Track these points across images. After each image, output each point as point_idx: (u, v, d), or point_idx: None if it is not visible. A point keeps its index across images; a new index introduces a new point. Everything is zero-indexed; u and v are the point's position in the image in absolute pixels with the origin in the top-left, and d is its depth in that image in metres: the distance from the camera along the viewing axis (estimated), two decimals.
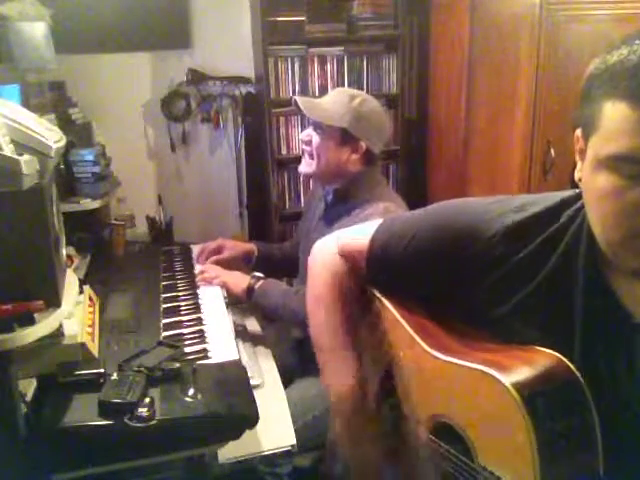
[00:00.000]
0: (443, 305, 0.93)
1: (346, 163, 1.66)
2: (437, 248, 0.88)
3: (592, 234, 0.73)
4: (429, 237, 0.90)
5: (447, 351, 0.86)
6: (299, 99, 1.68)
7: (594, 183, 0.69)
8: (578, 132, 0.74)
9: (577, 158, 0.75)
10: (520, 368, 0.76)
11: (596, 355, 0.76)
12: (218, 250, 1.96)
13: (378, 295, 1.01)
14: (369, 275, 1.01)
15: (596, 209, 0.71)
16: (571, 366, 0.74)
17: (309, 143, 1.69)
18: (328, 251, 1.06)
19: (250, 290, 1.67)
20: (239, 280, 1.72)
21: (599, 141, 0.68)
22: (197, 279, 1.82)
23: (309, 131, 1.70)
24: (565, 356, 0.76)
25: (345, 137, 1.64)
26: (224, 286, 1.75)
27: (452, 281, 0.87)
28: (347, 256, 1.03)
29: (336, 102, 1.66)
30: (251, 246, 2.02)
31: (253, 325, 1.81)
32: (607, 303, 0.75)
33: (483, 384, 0.76)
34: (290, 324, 1.73)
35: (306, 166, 1.73)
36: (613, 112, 0.66)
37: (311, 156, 1.70)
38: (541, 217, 0.80)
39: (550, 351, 0.77)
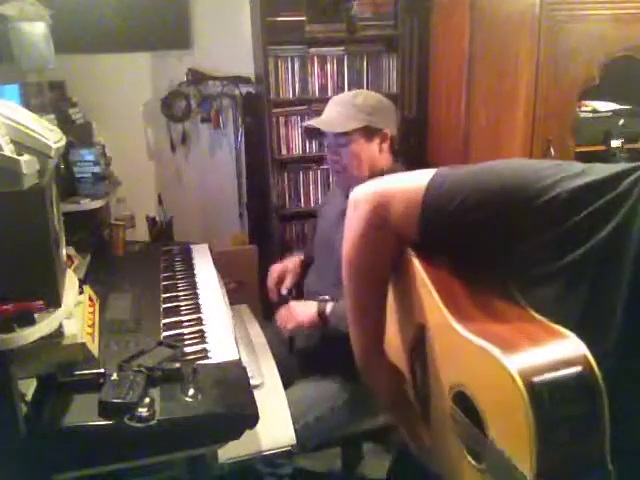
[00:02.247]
0: (486, 266, 0.91)
1: (379, 155, 1.71)
2: (496, 206, 0.86)
3: None
4: (488, 196, 0.87)
5: (468, 321, 0.85)
6: (314, 122, 1.72)
7: None
8: None
9: None
10: (531, 351, 0.74)
11: (638, 327, 0.75)
12: (282, 276, 1.93)
13: (413, 259, 0.98)
14: (419, 233, 0.95)
15: None
16: (587, 354, 0.72)
17: (338, 161, 1.71)
18: (365, 203, 1.00)
19: (322, 318, 1.62)
20: (307, 312, 1.66)
21: None
22: (288, 328, 1.71)
23: (332, 150, 1.72)
24: (603, 330, 0.75)
25: (368, 133, 1.68)
26: (299, 327, 1.68)
27: (507, 241, 0.86)
28: (388, 208, 0.97)
29: (341, 109, 1.68)
30: (298, 259, 2.00)
31: (253, 325, 1.81)
32: None
33: (491, 364, 0.75)
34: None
35: (343, 181, 1.75)
36: None
37: (344, 170, 1.71)
38: (602, 184, 0.79)
39: (568, 332, 0.76)
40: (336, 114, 1.69)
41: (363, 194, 1.02)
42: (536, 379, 0.71)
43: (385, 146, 1.71)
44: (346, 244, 1.05)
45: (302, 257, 2.00)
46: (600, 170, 0.81)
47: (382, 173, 1.67)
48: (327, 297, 1.66)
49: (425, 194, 0.92)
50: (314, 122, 1.73)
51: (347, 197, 1.72)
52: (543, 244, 0.81)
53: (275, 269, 1.95)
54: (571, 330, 0.77)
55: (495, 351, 0.75)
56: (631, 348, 0.75)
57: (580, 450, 0.72)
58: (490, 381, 0.78)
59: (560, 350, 0.74)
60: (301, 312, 1.67)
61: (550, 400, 0.70)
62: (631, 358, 0.74)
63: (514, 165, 0.89)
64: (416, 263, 0.98)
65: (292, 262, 1.98)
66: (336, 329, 1.58)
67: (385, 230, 0.98)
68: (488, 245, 0.88)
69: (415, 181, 0.94)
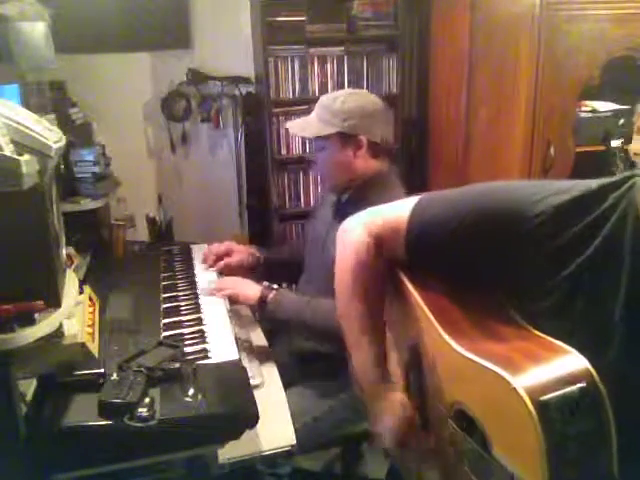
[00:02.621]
0: (478, 288, 0.92)
1: (354, 161, 1.65)
2: (484, 231, 0.88)
3: (638, 217, 0.74)
4: (475, 220, 0.89)
5: (467, 342, 0.85)
6: (289, 125, 1.73)
7: None
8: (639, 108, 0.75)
9: (635, 133, 0.75)
10: (536, 370, 0.75)
11: (638, 339, 0.75)
12: (227, 253, 1.93)
13: (404, 279, 1.01)
14: (407, 256, 0.99)
15: None
16: (591, 369, 0.73)
17: (316, 164, 1.72)
18: (357, 232, 1.05)
19: (262, 302, 1.64)
20: (249, 291, 1.67)
21: None
22: (208, 289, 1.74)
23: (314, 154, 1.73)
24: (604, 340, 0.75)
25: (343, 139, 1.63)
26: (235, 298, 1.70)
27: (497, 263, 0.87)
28: (378, 237, 1.02)
29: (320, 112, 1.66)
30: (257, 253, 1.99)
31: (253, 326, 1.81)
32: None
33: (497, 385, 0.76)
34: (303, 337, 1.71)
35: (324, 185, 1.81)
36: None
37: (323, 175, 1.73)
38: (587, 198, 0.81)
39: (570, 349, 0.76)
40: (314, 117, 1.68)
41: (354, 224, 1.06)
42: (544, 398, 0.71)
43: (361, 153, 1.65)
44: (340, 271, 1.07)
45: (263, 257, 1.99)
46: (585, 185, 0.82)
47: (364, 179, 1.67)
48: (274, 285, 1.68)
49: (408, 222, 0.97)
50: (290, 124, 1.73)
51: (339, 200, 1.75)
52: (538, 260, 0.82)
53: (225, 244, 1.95)
54: (571, 343, 0.77)
55: (501, 372, 0.75)
56: (632, 357, 0.75)
57: (590, 465, 0.72)
58: (495, 401, 0.78)
59: (563, 367, 0.74)
60: (247, 288, 1.69)
61: (559, 418, 0.71)
62: (633, 367, 0.74)
63: (505, 185, 0.91)
64: (408, 285, 1.00)
65: (246, 249, 1.98)
66: (271, 315, 1.63)
67: (377, 256, 1.02)
68: (486, 264, 0.90)
69: (399, 210, 0.99)
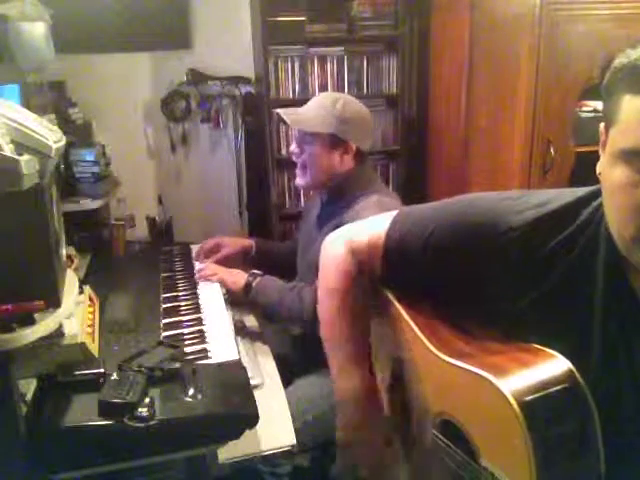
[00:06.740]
0: (455, 302, 0.92)
1: (336, 165, 1.68)
2: (457, 244, 0.88)
3: (611, 233, 0.73)
4: (448, 233, 0.89)
5: (452, 352, 0.86)
6: (282, 112, 1.70)
7: (610, 176, 0.70)
8: (601, 126, 0.74)
9: (600, 151, 0.75)
10: (520, 373, 0.75)
11: (616, 353, 0.75)
12: (216, 248, 1.97)
13: (387, 294, 1.01)
14: (383, 271, 0.99)
15: (612, 202, 0.71)
16: (574, 371, 0.74)
17: (299, 155, 1.72)
18: (338, 249, 1.04)
19: (247, 287, 1.68)
20: (237, 277, 1.73)
21: (616, 134, 0.69)
22: (196, 277, 1.83)
23: (297, 143, 1.73)
24: (583, 354, 0.75)
25: (334, 141, 1.66)
26: (222, 284, 1.76)
27: (471, 277, 0.87)
28: (358, 253, 1.02)
29: (319, 109, 1.67)
30: (250, 242, 2.03)
31: (253, 324, 1.81)
32: (627, 303, 0.75)
33: (483, 389, 0.76)
34: (286, 322, 1.74)
35: (301, 178, 1.75)
36: (630, 106, 0.66)
37: (304, 167, 1.71)
38: (560, 214, 0.80)
39: (554, 353, 0.76)
40: (313, 113, 1.68)
41: (335, 240, 1.07)
42: (529, 398, 0.71)
43: (347, 158, 1.68)
44: (323, 291, 1.07)
45: (255, 244, 2.02)
46: (558, 198, 0.82)
47: (345, 175, 1.68)
48: (260, 272, 1.72)
49: (385, 237, 0.97)
50: (286, 114, 1.70)
51: (322, 202, 1.76)
52: (512, 279, 0.82)
53: (213, 239, 2.00)
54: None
55: (487, 375, 0.75)
56: (610, 373, 0.75)
57: (577, 465, 0.72)
58: (482, 406, 0.78)
59: (547, 369, 0.75)
60: (234, 275, 1.74)
61: (544, 418, 0.71)
62: (611, 385, 0.75)
63: (483, 197, 0.91)
64: (392, 298, 1.00)
65: (235, 241, 2.03)
66: (253, 300, 1.68)
67: (358, 273, 1.02)
68: (457, 279, 0.90)
69: (378, 226, 1.00)
